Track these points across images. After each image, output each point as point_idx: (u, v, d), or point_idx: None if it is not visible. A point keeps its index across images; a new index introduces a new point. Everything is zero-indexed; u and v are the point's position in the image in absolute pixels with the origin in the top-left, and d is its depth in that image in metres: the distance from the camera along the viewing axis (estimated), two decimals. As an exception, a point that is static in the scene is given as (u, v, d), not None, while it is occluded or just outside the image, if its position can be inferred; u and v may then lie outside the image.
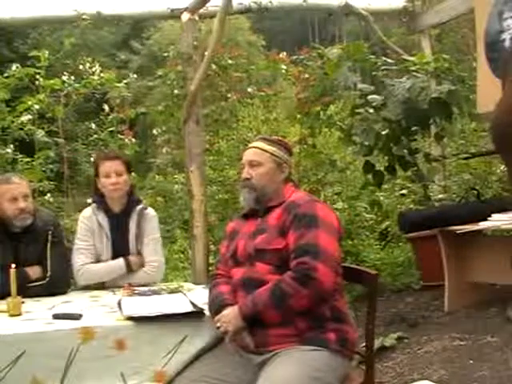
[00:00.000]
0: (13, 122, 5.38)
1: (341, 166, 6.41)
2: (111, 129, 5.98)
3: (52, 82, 5.54)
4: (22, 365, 2.24)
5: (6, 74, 5.50)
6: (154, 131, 7.23)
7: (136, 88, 6.67)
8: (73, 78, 5.83)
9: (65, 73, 5.88)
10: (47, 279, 3.13)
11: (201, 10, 5.56)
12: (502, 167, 6.31)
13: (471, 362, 3.51)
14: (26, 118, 5.39)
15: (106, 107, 6.05)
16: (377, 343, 3.81)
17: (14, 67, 5.48)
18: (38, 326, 2.43)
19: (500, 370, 3.30)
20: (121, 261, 3.37)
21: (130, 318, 2.45)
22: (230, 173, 6.53)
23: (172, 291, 3.00)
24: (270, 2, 5.82)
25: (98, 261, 3.40)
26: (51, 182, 5.72)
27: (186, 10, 5.51)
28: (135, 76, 6.71)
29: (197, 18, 5.55)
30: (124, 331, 2.39)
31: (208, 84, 6.42)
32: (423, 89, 4.86)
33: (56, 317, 2.52)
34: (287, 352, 2.30)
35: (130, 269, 3.37)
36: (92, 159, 5.29)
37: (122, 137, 5.97)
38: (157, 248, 3.47)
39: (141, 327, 2.42)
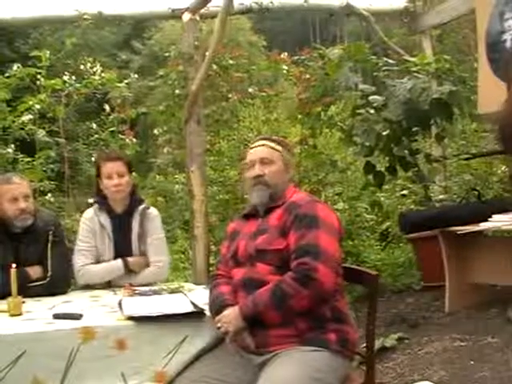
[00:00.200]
0: (14, 121, 5.39)
1: (341, 166, 6.41)
2: (112, 129, 5.98)
3: (53, 81, 5.55)
4: (23, 365, 2.24)
5: (7, 74, 5.51)
6: (155, 131, 7.23)
7: (137, 88, 6.67)
8: (74, 77, 5.83)
9: (66, 73, 5.89)
10: (48, 279, 3.13)
11: (202, 10, 5.56)
12: (503, 168, 6.32)
13: (472, 362, 3.51)
14: (26, 117, 5.39)
15: (107, 107, 6.06)
16: (377, 344, 3.80)
17: (15, 67, 5.48)
18: (39, 325, 2.43)
19: (501, 370, 3.30)
20: (119, 261, 3.38)
21: (131, 318, 2.45)
22: (231, 173, 6.53)
23: (173, 291, 3.00)
24: (271, 2, 5.82)
25: (99, 261, 3.41)
26: (52, 182, 5.72)
27: (187, 10, 5.51)
28: (136, 76, 6.72)
29: (198, 18, 5.55)
30: (124, 331, 2.39)
31: (209, 84, 6.42)
32: (424, 89, 4.86)
33: (56, 317, 2.52)
34: (288, 352, 2.29)
35: (128, 269, 3.37)
36: (93, 159, 5.29)
37: (122, 137, 5.97)
38: (161, 247, 3.49)
39: (141, 327, 2.42)
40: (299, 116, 6.26)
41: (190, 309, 2.53)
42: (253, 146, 2.71)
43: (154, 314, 2.45)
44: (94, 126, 6.28)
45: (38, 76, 5.47)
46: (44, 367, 2.26)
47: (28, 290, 2.95)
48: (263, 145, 2.68)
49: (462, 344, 3.81)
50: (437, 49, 6.41)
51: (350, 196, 6.29)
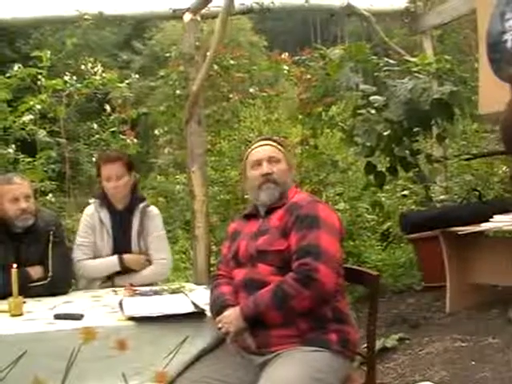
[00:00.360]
0: (14, 122, 5.39)
1: (342, 166, 6.41)
2: (113, 129, 5.99)
3: (54, 82, 5.55)
4: (24, 365, 2.24)
5: (7, 74, 5.51)
6: (156, 131, 7.23)
7: (138, 88, 6.66)
8: (75, 78, 5.84)
9: (67, 73, 5.89)
10: (48, 279, 3.13)
11: (203, 11, 5.56)
12: (504, 168, 6.32)
13: (473, 363, 3.51)
14: (27, 118, 5.40)
15: (108, 107, 6.06)
16: (378, 344, 3.80)
17: (15, 67, 5.48)
18: (40, 326, 2.43)
19: (502, 371, 3.30)
20: (115, 257, 3.41)
21: (132, 319, 2.44)
22: (232, 173, 6.53)
23: (173, 291, 3.00)
24: (272, 2, 5.82)
25: (97, 257, 3.44)
26: (53, 182, 5.73)
27: (187, 10, 5.51)
28: (137, 76, 6.72)
29: (199, 19, 5.55)
30: (125, 331, 2.39)
31: (210, 84, 6.42)
32: (425, 90, 4.86)
33: (57, 317, 2.52)
34: (289, 353, 2.29)
35: (123, 266, 3.40)
36: (94, 159, 5.30)
37: (123, 137, 5.98)
38: (163, 245, 3.52)
39: (142, 327, 2.42)
40: (300, 116, 6.26)
41: (191, 309, 2.53)
42: (257, 145, 2.70)
43: (155, 315, 2.45)
44: (95, 126, 6.29)
45: (39, 76, 5.48)
46: (45, 367, 2.26)
47: (29, 290, 2.95)
48: (269, 144, 2.68)
49: (463, 344, 3.81)
50: (438, 49, 6.41)
51: (350, 196, 6.29)
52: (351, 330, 2.43)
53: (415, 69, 5.05)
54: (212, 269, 5.22)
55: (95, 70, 5.91)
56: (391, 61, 5.31)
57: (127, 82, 6.25)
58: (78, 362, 2.28)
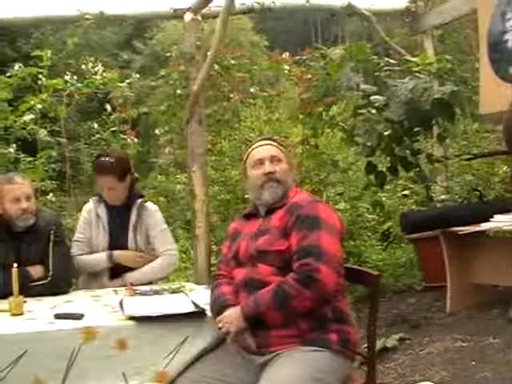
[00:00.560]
0: (15, 121, 5.40)
1: (343, 166, 6.41)
2: (113, 128, 6.00)
3: (54, 81, 5.56)
4: (24, 364, 2.24)
5: (8, 74, 5.52)
6: (157, 131, 7.23)
7: (138, 88, 6.66)
8: (75, 77, 5.85)
9: (67, 72, 5.90)
10: (49, 279, 3.13)
11: (203, 10, 5.56)
12: (505, 168, 6.31)
13: (473, 363, 3.51)
14: (28, 117, 5.40)
15: (109, 107, 6.07)
16: (378, 344, 3.81)
17: (16, 67, 5.49)
18: (40, 325, 2.43)
19: (502, 371, 3.30)
20: (104, 254, 3.44)
21: (132, 318, 2.44)
22: (232, 173, 6.53)
23: (174, 291, 3.00)
24: (273, 2, 5.81)
25: (94, 252, 3.48)
26: (53, 182, 5.74)
27: (188, 10, 5.51)
28: (138, 76, 6.72)
29: (199, 18, 5.54)
30: (126, 331, 2.39)
31: (210, 84, 6.42)
32: (426, 89, 4.85)
33: (58, 316, 2.52)
34: (289, 353, 2.29)
35: (113, 262, 3.44)
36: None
37: (124, 136, 5.99)
38: (167, 238, 3.58)
39: (142, 327, 2.42)
40: (301, 116, 6.25)
41: (191, 309, 2.53)
42: (258, 144, 2.69)
43: (155, 314, 2.45)
44: (96, 125, 6.29)
45: (40, 76, 5.49)
46: (45, 367, 2.27)
47: (29, 290, 2.95)
48: (270, 144, 2.68)
49: (464, 344, 3.81)
50: (438, 49, 6.41)
51: (351, 196, 6.29)
52: (352, 330, 2.43)
53: (416, 69, 5.04)
54: (212, 268, 5.22)
55: (96, 69, 5.92)
56: (392, 60, 5.31)
57: (128, 81, 6.26)
58: (79, 361, 2.28)
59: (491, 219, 4.05)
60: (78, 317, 2.50)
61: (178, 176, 7.89)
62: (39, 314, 2.62)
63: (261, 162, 2.61)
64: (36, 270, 3.14)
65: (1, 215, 3.16)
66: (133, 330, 2.41)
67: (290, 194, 2.59)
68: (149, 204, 3.62)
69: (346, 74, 5.00)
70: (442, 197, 5.59)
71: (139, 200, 3.55)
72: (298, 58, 6.43)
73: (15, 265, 2.70)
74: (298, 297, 2.27)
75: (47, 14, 5.68)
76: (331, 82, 5.55)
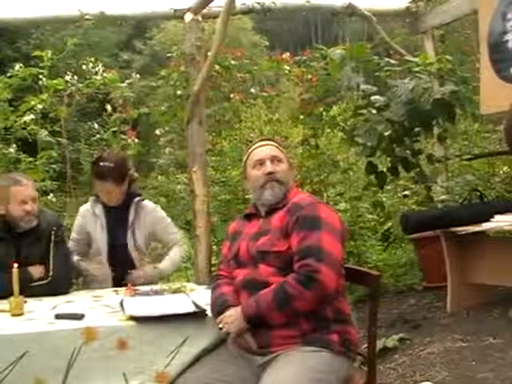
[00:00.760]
0: (16, 121, 5.40)
1: (343, 166, 6.41)
2: (114, 129, 6.00)
3: (55, 81, 5.56)
4: (24, 365, 2.24)
5: (9, 74, 5.52)
6: (157, 131, 7.22)
7: (139, 88, 6.64)
8: (76, 77, 5.84)
9: (68, 73, 5.90)
10: (49, 279, 3.14)
11: (204, 11, 5.55)
12: (505, 168, 6.32)
13: (474, 363, 3.51)
14: (28, 117, 5.40)
15: (109, 107, 6.06)
16: (379, 344, 3.81)
17: (17, 67, 5.49)
18: (40, 325, 2.43)
19: (503, 371, 3.29)
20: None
21: (132, 318, 2.44)
22: (233, 173, 6.53)
23: (174, 291, 3.00)
24: (273, 2, 5.81)
25: (96, 249, 3.59)
26: (54, 182, 5.74)
27: (189, 10, 5.50)
28: (138, 76, 6.71)
29: (200, 19, 5.54)
30: (126, 331, 2.39)
31: (211, 84, 6.41)
32: (426, 90, 4.86)
33: (58, 317, 2.52)
34: (290, 353, 2.29)
35: (78, 274, 3.57)
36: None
37: (124, 137, 5.98)
38: (174, 230, 3.79)
39: (143, 327, 2.41)
40: (301, 116, 6.26)
41: (192, 309, 2.53)
42: (258, 145, 2.70)
43: (156, 315, 2.45)
44: (96, 126, 6.30)
45: (40, 76, 5.49)
46: (45, 367, 2.27)
47: (30, 290, 2.96)
48: (271, 144, 2.68)
49: (464, 345, 3.80)
50: (439, 49, 6.39)
51: (351, 196, 6.29)
52: (352, 331, 2.43)
53: (416, 69, 5.05)
54: (213, 269, 5.22)
55: (96, 69, 5.92)
56: (392, 61, 5.31)
57: (128, 81, 6.26)
58: (79, 361, 2.29)
59: (492, 219, 4.05)
60: (79, 317, 2.50)
61: (178, 176, 7.88)
62: (39, 315, 2.63)
63: (261, 162, 2.61)
64: (36, 270, 3.15)
65: (3, 216, 3.16)
66: (133, 330, 2.41)
67: (290, 195, 2.59)
68: (146, 202, 3.69)
69: (347, 74, 5.00)
70: (443, 197, 5.59)
71: (136, 199, 3.61)
72: (298, 58, 6.44)
73: (16, 265, 2.70)
74: (298, 297, 2.27)
75: (47, 15, 5.68)
76: (332, 83, 5.56)
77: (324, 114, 6.02)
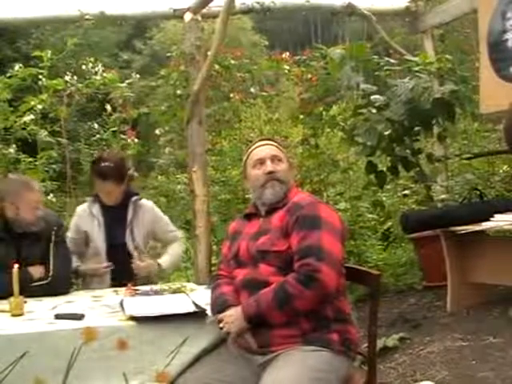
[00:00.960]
0: (16, 121, 5.40)
1: (343, 166, 6.41)
2: (114, 129, 6.00)
3: (55, 82, 5.56)
4: (24, 365, 2.24)
5: (8, 74, 5.52)
6: (157, 131, 7.23)
7: (139, 88, 6.64)
8: (75, 78, 5.84)
9: (67, 73, 5.90)
10: (49, 279, 3.14)
11: (203, 10, 5.55)
12: (505, 167, 6.32)
13: (474, 362, 3.50)
14: (28, 118, 5.40)
15: (109, 107, 6.07)
16: (379, 344, 3.81)
17: (16, 67, 5.49)
18: (40, 325, 2.43)
19: (503, 370, 3.29)
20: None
21: (132, 318, 2.44)
22: (233, 173, 6.53)
23: (174, 291, 3.00)
24: (273, 2, 5.81)
25: (94, 248, 3.59)
26: (54, 182, 5.75)
27: (188, 9, 5.50)
28: (138, 76, 6.72)
29: (199, 18, 5.54)
30: (126, 331, 2.39)
31: (211, 84, 6.42)
32: (426, 89, 4.86)
33: (58, 317, 2.52)
34: (290, 353, 2.29)
35: (79, 274, 3.59)
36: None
37: (124, 137, 5.99)
38: (172, 227, 3.84)
39: (143, 327, 2.41)
40: (301, 116, 6.26)
41: (192, 309, 2.53)
42: (258, 144, 2.70)
43: (156, 314, 2.45)
44: (96, 126, 6.30)
45: (40, 76, 5.48)
46: (45, 367, 2.27)
47: (30, 290, 2.95)
48: (270, 144, 2.68)
49: (464, 344, 3.80)
50: (438, 48, 6.39)
51: (351, 196, 6.29)
52: (353, 330, 2.43)
53: (416, 68, 5.05)
54: (213, 268, 5.22)
55: (96, 69, 5.92)
56: (392, 60, 5.31)
57: (128, 81, 6.26)
58: (79, 361, 2.29)
59: (492, 218, 4.04)
60: (79, 317, 2.50)
61: (178, 176, 7.88)
62: (39, 315, 2.63)
63: (262, 161, 2.61)
64: (36, 271, 3.15)
65: (4, 216, 3.17)
66: (133, 330, 2.41)
67: (290, 194, 2.59)
68: (144, 201, 3.73)
69: (347, 73, 5.00)
70: (443, 196, 5.59)
71: (134, 198, 3.64)
72: (298, 57, 6.44)
73: (16, 265, 2.70)
74: (298, 296, 2.27)
75: (47, 14, 5.68)
76: (331, 82, 5.56)
77: (324, 113, 6.02)
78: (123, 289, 3.16)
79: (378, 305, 2.53)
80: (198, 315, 2.49)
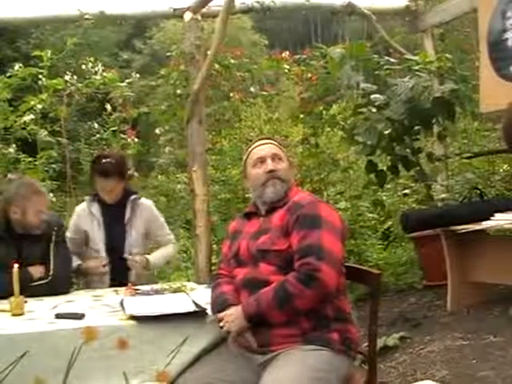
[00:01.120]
0: (15, 121, 5.40)
1: (343, 165, 6.41)
2: (114, 128, 6.00)
3: (55, 81, 5.56)
4: (25, 364, 2.24)
5: (8, 74, 5.52)
6: (157, 131, 7.23)
7: (138, 87, 6.64)
8: (75, 77, 5.85)
9: (67, 72, 5.90)
10: (49, 278, 3.14)
11: (203, 10, 5.55)
12: (505, 166, 6.31)
13: (474, 361, 3.50)
14: (28, 117, 5.41)
15: (109, 107, 6.07)
16: (379, 343, 3.81)
17: (16, 67, 5.50)
18: (41, 325, 2.43)
19: (503, 369, 3.29)
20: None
21: (133, 318, 2.44)
22: (233, 172, 6.53)
23: (175, 291, 3.00)
24: (273, 1, 5.80)
25: (94, 247, 3.59)
26: (54, 182, 5.74)
27: (188, 9, 5.50)
28: (138, 75, 6.72)
29: (199, 18, 5.54)
30: (126, 331, 2.39)
31: (211, 83, 6.42)
32: (426, 88, 4.86)
33: (58, 316, 2.52)
34: (290, 352, 2.29)
35: (80, 273, 3.57)
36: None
37: (124, 136, 5.99)
38: (167, 229, 3.83)
39: (143, 327, 2.41)
40: (301, 115, 6.26)
41: (192, 308, 2.53)
42: (258, 143, 2.70)
43: (156, 314, 2.45)
44: (96, 125, 6.31)
45: (40, 76, 5.49)
46: (46, 367, 2.27)
47: (30, 290, 2.95)
48: (271, 143, 2.68)
49: (465, 343, 3.80)
50: (438, 47, 6.39)
51: (351, 195, 6.29)
52: (353, 329, 2.43)
53: (416, 67, 5.05)
54: (213, 268, 5.22)
55: (96, 69, 5.92)
56: (392, 59, 5.31)
57: (128, 81, 6.27)
58: (79, 361, 2.29)
59: (492, 217, 4.04)
60: (79, 317, 2.50)
61: (178, 175, 7.89)
62: (40, 314, 2.63)
63: (262, 160, 2.61)
64: (36, 270, 3.15)
65: (7, 216, 3.17)
66: (133, 329, 2.41)
67: (290, 194, 2.59)
68: (143, 200, 3.73)
69: (347, 72, 5.00)
70: (443, 195, 5.59)
71: (133, 196, 3.63)
72: (298, 57, 6.43)
73: (16, 265, 2.70)
74: (299, 296, 2.27)
75: (47, 14, 5.68)
76: (331, 81, 5.56)
77: (324, 112, 6.03)
78: (123, 288, 3.16)
79: (379, 304, 2.53)
80: (198, 315, 2.49)
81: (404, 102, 4.82)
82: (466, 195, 4.95)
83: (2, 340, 2.29)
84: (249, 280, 2.45)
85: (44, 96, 5.47)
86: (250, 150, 2.70)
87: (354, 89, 5.10)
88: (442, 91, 4.89)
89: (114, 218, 3.59)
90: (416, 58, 5.26)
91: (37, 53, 5.61)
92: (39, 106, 5.46)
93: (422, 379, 3.41)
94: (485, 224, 4.07)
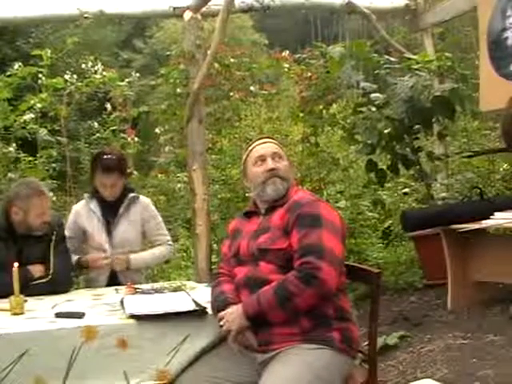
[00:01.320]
0: (15, 120, 5.40)
1: (343, 164, 6.41)
2: (114, 128, 6.00)
3: (54, 80, 5.56)
4: (25, 363, 2.24)
5: (8, 73, 5.52)
6: (157, 130, 7.23)
7: (138, 87, 6.64)
8: (75, 76, 5.84)
9: (67, 72, 5.89)
10: (49, 277, 3.13)
11: (203, 9, 5.55)
12: (505, 165, 6.31)
13: (474, 360, 3.50)
14: (28, 116, 5.41)
15: (109, 106, 6.07)
16: (380, 342, 3.81)
17: (16, 66, 5.49)
18: (41, 324, 2.43)
19: (503, 368, 3.29)
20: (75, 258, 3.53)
21: (133, 317, 2.44)
22: (233, 171, 6.53)
23: (175, 290, 3.00)
24: (273, 0, 5.80)
25: (94, 244, 3.58)
26: (54, 181, 5.74)
27: (188, 8, 5.50)
28: (138, 75, 6.72)
29: (199, 17, 5.53)
30: (127, 330, 2.39)
31: (211, 83, 6.41)
32: (426, 87, 4.86)
33: (59, 315, 2.52)
34: (291, 351, 2.29)
35: (80, 266, 3.56)
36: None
37: (124, 136, 5.99)
38: (164, 229, 3.79)
39: (143, 326, 2.41)
40: (301, 114, 6.26)
41: (192, 307, 2.53)
42: (258, 142, 2.70)
43: (156, 313, 2.45)
44: (96, 124, 6.30)
45: (40, 75, 5.49)
46: (46, 366, 2.27)
47: (30, 289, 2.96)
48: (270, 141, 2.68)
49: (465, 342, 3.80)
50: (438, 47, 6.40)
51: (352, 194, 6.29)
52: (353, 328, 2.43)
53: (416, 66, 5.05)
54: (213, 267, 5.22)
55: (96, 68, 5.92)
56: (392, 58, 5.31)
57: (128, 80, 6.26)
58: (79, 360, 2.29)
59: (492, 217, 4.04)
60: (79, 316, 2.50)
61: (178, 175, 7.87)
62: (40, 313, 2.63)
63: (262, 158, 2.61)
64: (36, 269, 3.15)
65: (8, 217, 3.17)
66: (134, 328, 2.41)
67: (290, 193, 2.59)
68: (141, 197, 3.72)
69: (346, 72, 5.00)
70: (443, 194, 5.59)
71: (131, 194, 3.64)
72: (298, 56, 6.44)
73: (16, 264, 2.70)
74: (299, 295, 2.27)
75: (47, 13, 5.66)
76: (331, 80, 5.56)
77: (324, 111, 6.03)
78: (123, 287, 3.16)
79: (379, 303, 2.53)
80: (198, 313, 2.49)
81: (404, 101, 4.82)
82: (466, 194, 4.95)
83: (2, 339, 2.28)
84: (249, 279, 2.45)
85: (44, 95, 5.47)
86: (250, 148, 2.70)
87: (354, 88, 5.10)
88: (442, 90, 4.89)
89: (113, 215, 3.59)
90: (416, 57, 5.25)
91: (37, 52, 5.61)
92: (39, 105, 5.45)
93: (422, 378, 3.40)
94: (485, 223, 4.07)
